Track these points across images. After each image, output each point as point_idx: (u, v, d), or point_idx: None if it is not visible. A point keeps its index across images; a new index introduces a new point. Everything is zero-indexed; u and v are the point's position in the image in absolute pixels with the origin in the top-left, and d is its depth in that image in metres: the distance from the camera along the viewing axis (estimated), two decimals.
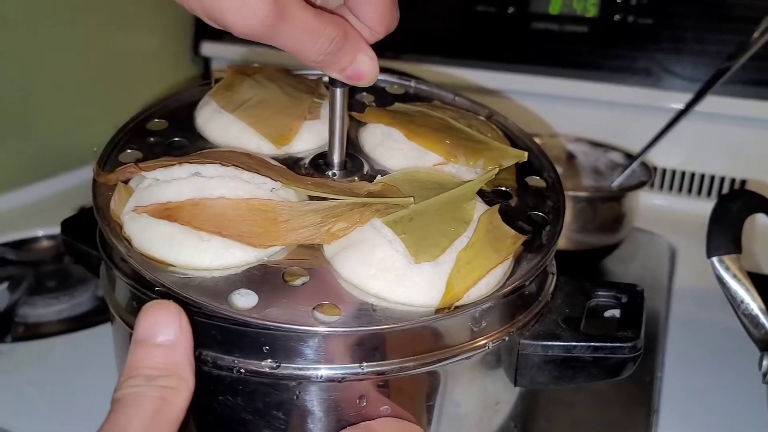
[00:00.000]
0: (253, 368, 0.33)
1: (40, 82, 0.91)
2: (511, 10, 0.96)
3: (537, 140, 0.84)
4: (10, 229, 0.80)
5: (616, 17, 0.92)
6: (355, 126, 0.46)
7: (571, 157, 0.85)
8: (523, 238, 0.38)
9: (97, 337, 0.63)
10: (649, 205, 0.92)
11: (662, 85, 0.92)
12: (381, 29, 0.36)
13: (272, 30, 0.32)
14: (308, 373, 0.33)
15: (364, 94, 0.49)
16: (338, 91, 0.38)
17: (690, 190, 0.96)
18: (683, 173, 0.96)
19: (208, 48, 1.11)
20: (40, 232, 0.80)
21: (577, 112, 0.97)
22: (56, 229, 0.79)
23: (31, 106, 0.90)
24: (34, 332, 0.65)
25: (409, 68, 0.98)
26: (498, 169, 0.41)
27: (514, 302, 0.38)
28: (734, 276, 0.49)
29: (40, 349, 0.61)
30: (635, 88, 0.93)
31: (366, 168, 0.42)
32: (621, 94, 0.94)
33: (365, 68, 0.36)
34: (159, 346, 0.31)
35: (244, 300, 0.33)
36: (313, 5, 0.34)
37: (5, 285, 0.69)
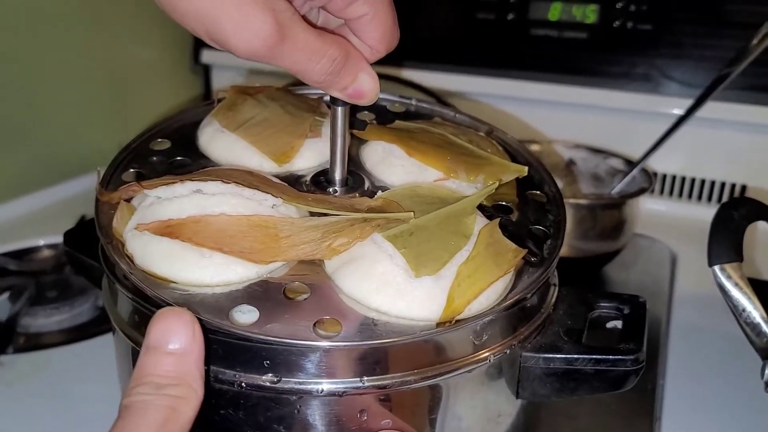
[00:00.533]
0: (254, 382, 0.34)
1: (41, 91, 0.91)
2: (510, 16, 0.96)
3: (536, 147, 0.85)
4: (12, 239, 0.80)
5: (616, 23, 0.93)
6: (356, 143, 0.46)
7: (570, 163, 0.85)
8: (523, 251, 0.38)
9: (97, 348, 0.63)
10: (650, 210, 0.92)
11: (662, 91, 0.92)
12: (382, 48, 0.36)
13: (274, 51, 0.32)
14: (309, 387, 0.34)
15: (365, 112, 0.50)
16: (339, 110, 0.39)
17: (690, 196, 0.96)
18: (684, 179, 0.96)
19: (208, 56, 1.11)
20: (41, 242, 0.80)
21: (576, 118, 0.97)
22: (57, 238, 0.79)
23: (32, 116, 0.90)
24: (35, 343, 0.64)
25: (411, 75, 0.99)
26: (497, 183, 0.42)
27: (515, 315, 0.38)
28: (736, 284, 0.49)
29: (41, 360, 0.61)
30: (635, 93, 0.93)
31: (367, 184, 0.43)
32: (621, 100, 0.94)
33: (366, 87, 0.36)
34: (170, 354, 0.31)
35: (246, 316, 0.33)
36: (314, 26, 0.34)
37: (6, 295, 0.69)
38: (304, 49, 0.33)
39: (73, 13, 0.92)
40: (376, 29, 0.36)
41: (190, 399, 0.30)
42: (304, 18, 0.34)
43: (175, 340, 0.31)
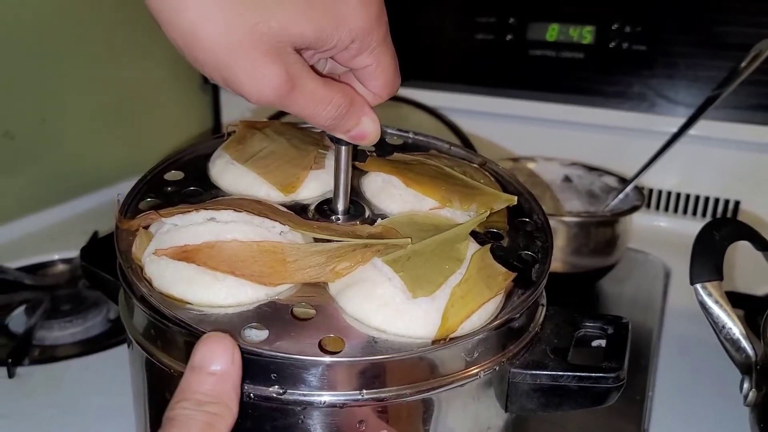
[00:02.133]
0: (262, 394, 0.36)
1: (54, 109, 0.93)
2: (509, 37, 0.99)
3: (532, 164, 0.87)
4: (27, 254, 0.82)
5: (611, 44, 0.95)
6: (357, 174, 0.48)
7: (566, 180, 0.87)
8: (513, 275, 0.40)
9: (109, 359, 0.65)
10: (645, 225, 0.94)
11: (656, 110, 0.94)
12: (384, 95, 0.39)
13: (284, 99, 0.35)
14: (312, 399, 0.36)
15: None
16: (343, 149, 0.42)
17: (685, 211, 0.99)
18: (678, 195, 0.98)
19: None
20: (55, 256, 0.82)
21: (573, 136, 1.00)
22: (71, 253, 0.81)
23: (44, 134, 0.92)
24: (50, 355, 0.67)
25: (413, 94, 1.02)
26: (489, 212, 0.44)
27: (505, 334, 0.40)
28: (716, 302, 0.50)
29: (56, 372, 0.63)
30: (630, 112, 0.95)
31: (367, 212, 0.45)
32: (616, 119, 0.96)
33: (368, 130, 0.39)
34: (211, 374, 0.33)
35: (256, 334, 0.36)
36: (321, 74, 0.37)
37: (22, 309, 0.72)
38: (312, 97, 0.36)
39: (86, 33, 0.95)
40: (379, 78, 0.38)
41: (226, 417, 0.33)
42: (312, 68, 0.36)
43: (217, 362, 0.33)
